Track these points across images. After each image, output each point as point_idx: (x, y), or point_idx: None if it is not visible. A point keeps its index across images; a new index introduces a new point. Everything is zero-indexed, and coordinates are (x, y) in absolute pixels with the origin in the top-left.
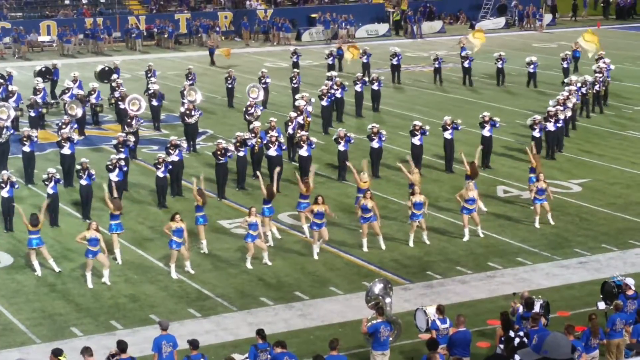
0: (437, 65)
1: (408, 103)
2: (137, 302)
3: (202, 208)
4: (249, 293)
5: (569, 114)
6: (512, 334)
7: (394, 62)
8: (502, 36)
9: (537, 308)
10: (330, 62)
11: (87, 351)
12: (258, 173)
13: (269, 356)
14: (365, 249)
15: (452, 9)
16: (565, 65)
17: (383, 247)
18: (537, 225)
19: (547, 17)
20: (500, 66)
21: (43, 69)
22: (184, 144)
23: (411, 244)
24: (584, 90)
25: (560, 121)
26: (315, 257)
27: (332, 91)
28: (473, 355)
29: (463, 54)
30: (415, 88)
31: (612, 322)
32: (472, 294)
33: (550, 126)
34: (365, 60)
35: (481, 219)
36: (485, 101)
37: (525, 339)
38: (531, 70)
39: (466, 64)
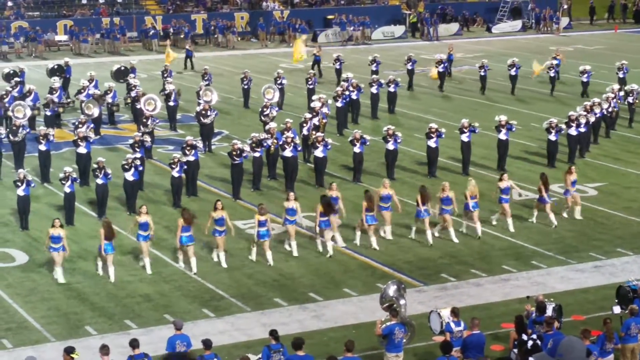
0: (482, 73)
1: (424, 105)
2: (151, 302)
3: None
4: (263, 294)
5: (592, 119)
6: (525, 337)
7: (440, 69)
8: (518, 39)
9: (549, 311)
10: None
11: (103, 349)
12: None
13: (282, 357)
14: (375, 246)
15: (469, 12)
16: (621, 75)
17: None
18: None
19: (564, 21)
20: (552, 75)
21: (55, 67)
22: (200, 144)
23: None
24: (630, 99)
25: (582, 125)
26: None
27: (348, 92)
28: (487, 358)
29: (509, 62)
30: (432, 90)
31: (627, 326)
32: (486, 296)
33: (572, 130)
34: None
35: (497, 222)
36: (502, 104)
37: (538, 342)
38: (584, 80)
39: (513, 72)
